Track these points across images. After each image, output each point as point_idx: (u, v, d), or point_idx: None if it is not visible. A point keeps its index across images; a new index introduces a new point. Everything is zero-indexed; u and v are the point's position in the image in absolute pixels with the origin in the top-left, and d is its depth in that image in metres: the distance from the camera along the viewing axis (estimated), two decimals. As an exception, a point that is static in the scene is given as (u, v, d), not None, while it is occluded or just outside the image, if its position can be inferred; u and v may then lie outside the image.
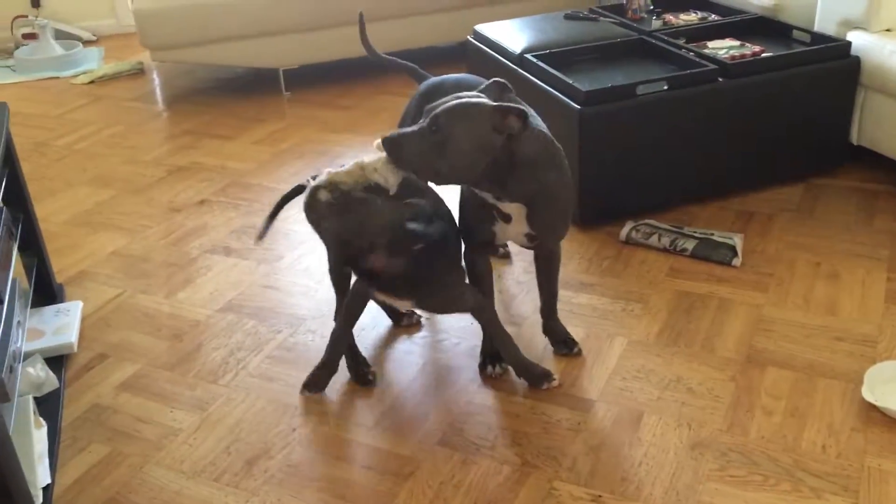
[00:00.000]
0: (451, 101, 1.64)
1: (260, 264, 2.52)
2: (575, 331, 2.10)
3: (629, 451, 1.73)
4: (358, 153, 3.24)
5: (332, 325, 2.20)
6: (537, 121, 1.78)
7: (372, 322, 2.21)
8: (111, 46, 4.83)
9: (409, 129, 1.63)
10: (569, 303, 2.23)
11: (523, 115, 1.60)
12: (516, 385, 1.95)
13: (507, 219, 1.79)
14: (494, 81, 1.75)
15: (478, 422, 1.84)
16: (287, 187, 2.98)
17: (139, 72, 4.39)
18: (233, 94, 4.00)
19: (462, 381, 1.98)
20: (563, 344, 2.06)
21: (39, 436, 1.78)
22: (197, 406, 1.94)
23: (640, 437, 1.77)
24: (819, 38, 2.72)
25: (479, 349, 2.04)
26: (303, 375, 2.00)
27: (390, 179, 1.66)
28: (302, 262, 2.52)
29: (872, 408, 1.79)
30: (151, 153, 3.38)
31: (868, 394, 1.80)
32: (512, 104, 1.62)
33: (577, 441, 1.77)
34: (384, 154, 1.65)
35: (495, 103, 1.63)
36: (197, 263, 2.55)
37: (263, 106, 3.82)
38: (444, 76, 2.11)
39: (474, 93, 1.69)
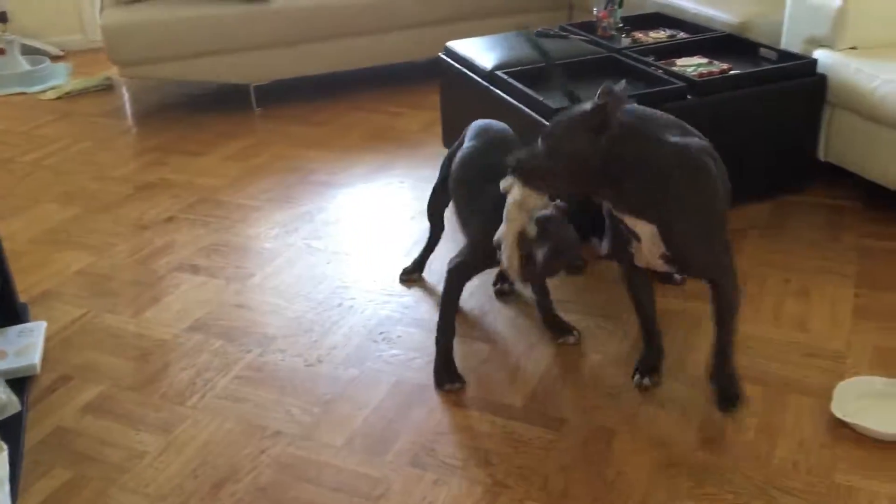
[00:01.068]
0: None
1: (229, 282, 2.49)
2: (545, 349, 2.10)
3: (602, 470, 1.72)
4: (331, 169, 3.23)
5: (303, 342, 2.18)
6: (667, 132, 1.70)
7: (343, 341, 2.19)
8: (79, 62, 4.77)
9: (523, 150, 1.69)
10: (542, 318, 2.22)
11: (606, 112, 1.55)
12: (488, 404, 1.93)
13: (636, 237, 1.71)
14: (602, 88, 1.63)
15: (449, 441, 1.83)
16: (259, 204, 2.96)
17: (108, 87, 4.34)
18: (203, 110, 3.97)
19: (434, 400, 1.96)
20: (726, 399, 1.85)
21: (1, 460, 1.74)
22: (163, 428, 1.90)
23: (612, 456, 1.76)
24: (785, 55, 2.75)
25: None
26: (272, 396, 1.97)
27: (538, 202, 1.73)
28: (272, 281, 2.49)
29: (842, 424, 1.80)
30: (119, 170, 3.33)
31: (837, 410, 1.81)
32: (603, 102, 1.57)
33: (549, 460, 1.75)
34: (516, 186, 1.73)
35: (591, 104, 1.59)
36: (164, 282, 2.51)
37: (234, 122, 3.79)
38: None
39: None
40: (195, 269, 2.57)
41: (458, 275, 1.97)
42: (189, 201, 3.03)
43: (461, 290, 1.99)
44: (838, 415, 1.80)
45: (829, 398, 1.86)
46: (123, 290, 2.48)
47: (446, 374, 1.99)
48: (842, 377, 1.94)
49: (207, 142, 3.58)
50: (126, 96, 4.25)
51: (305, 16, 3.77)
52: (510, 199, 1.76)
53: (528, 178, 1.68)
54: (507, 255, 1.76)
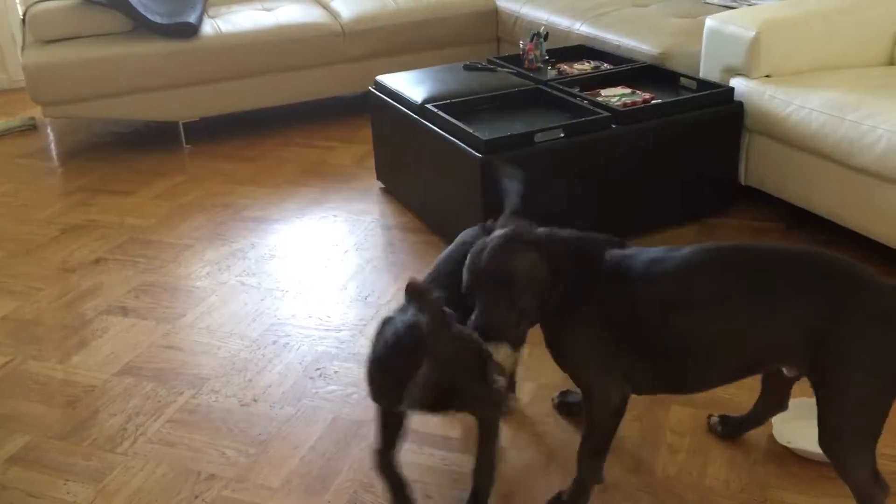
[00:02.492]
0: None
1: (160, 323, 2.44)
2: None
3: (541, 498, 1.73)
4: (263, 205, 3.20)
5: (238, 382, 2.14)
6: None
7: (279, 379, 2.16)
8: (1, 102, 4.66)
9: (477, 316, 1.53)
10: (477, 350, 2.23)
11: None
12: (426, 437, 1.93)
13: None
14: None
15: (388, 476, 1.81)
16: (190, 242, 2.92)
17: (31, 128, 4.23)
18: (130, 149, 3.90)
19: (373, 435, 1.94)
20: None
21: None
22: (92, 477, 1.85)
23: (550, 483, 1.77)
24: (704, 84, 2.85)
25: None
26: (205, 439, 1.93)
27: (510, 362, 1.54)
28: (204, 321, 2.45)
29: (773, 440, 1.85)
30: (44, 211, 3.25)
31: (780, 437, 1.84)
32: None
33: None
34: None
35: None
36: (92, 325, 2.45)
37: (163, 160, 3.74)
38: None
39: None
40: (124, 312, 2.51)
41: None
42: (117, 242, 2.96)
43: None
44: (782, 442, 1.83)
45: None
46: (49, 335, 2.41)
47: None
48: (769, 394, 1.99)
49: (135, 181, 3.52)
50: (51, 136, 4.15)
51: (232, 53, 3.76)
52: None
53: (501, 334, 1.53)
54: None
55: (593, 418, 1.63)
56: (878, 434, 1.47)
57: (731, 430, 1.88)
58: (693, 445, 1.86)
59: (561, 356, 1.63)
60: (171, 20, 3.72)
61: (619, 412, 1.61)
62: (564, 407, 1.99)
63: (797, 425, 1.87)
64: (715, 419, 1.90)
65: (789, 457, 1.81)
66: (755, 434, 1.87)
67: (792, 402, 1.93)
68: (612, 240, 1.63)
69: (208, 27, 3.81)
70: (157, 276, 2.71)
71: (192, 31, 3.71)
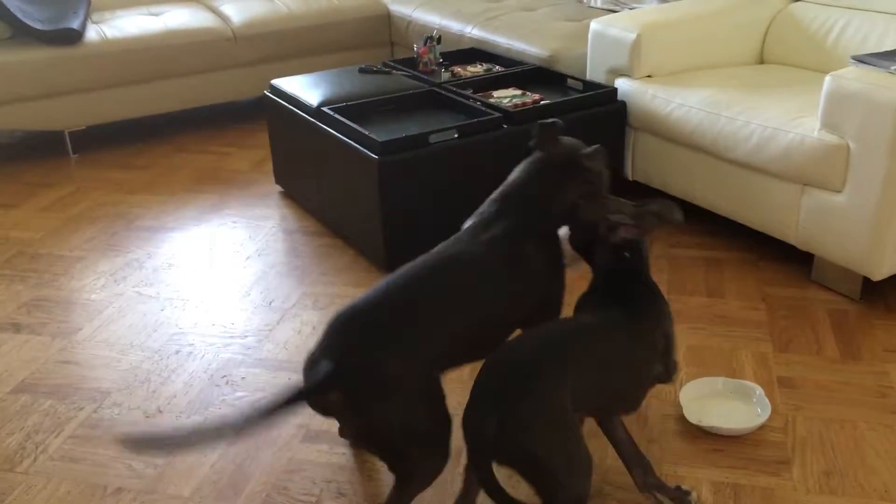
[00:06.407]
0: None
1: (55, 338, 2.37)
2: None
3: (455, 489, 1.78)
4: (158, 213, 3.14)
5: (141, 394, 2.11)
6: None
7: (184, 389, 2.14)
8: None
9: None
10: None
11: None
12: (338, 437, 1.95)
13: None
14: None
15: (302, 477, 1.83)
16: (81, 254, 2.83)
17: None
18: (13, 160, 3.75)
19: (283, 437, 1.95)
20: None
21: None
22: (-8, 499, 1.79)
23: (461, 472, 1.82)
24: (590, 85, 2.98)
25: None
26: (110, 453, 1.90)
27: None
28: (102, 333, 2.39)
29: (666, 419, 1.96)
30: (-80, 228, 3.09)
31: (691, 416, 1.94)
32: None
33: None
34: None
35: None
36: (-18, 344, 2.35)
37: (49, 170, 3.61)
38: None
39: None
40: (16, 328, 2.42)
41: None
42: (4, 256, 2.85)
43: None
44: (693, 420, 1.93)
45: (651, 396, 2.02)
46: (-66, 356, 2.30)
47: None
48: (661, 376, 2.11)
49: (19, 192, 3.38)
50: (-78, 148, 3.94)
51: (119, 59, 3.66)
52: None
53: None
54: None
55: None
56: None
57: None
58: (592, 430, 1.95)
59: None
60: (53, 26, 3.60)
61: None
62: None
63: (706, 403, 2.00)
64: None
65: (681, 433, 1.92)
66: (652, 413, 1.98)
67: (696, 381, 2.06)
68: None
69: (93, 33, 3.70)
70: (50, 290, 2.62)
71: (75, 37, 3.60)
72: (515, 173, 1.87)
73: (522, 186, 1.83)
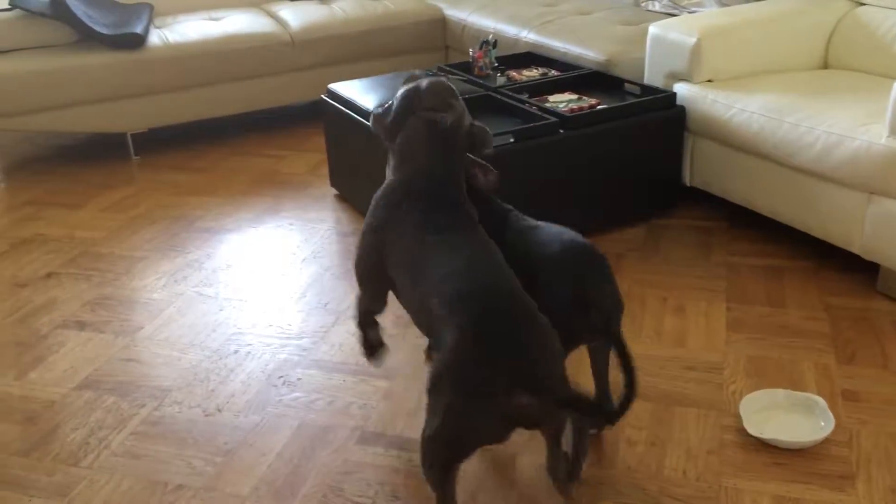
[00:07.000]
0: None
1: (118, 336, 2.42)
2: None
3: (507, 493, 1.78)
4: (216, 215, 3.20)
5: (200, 392, 2.15)
6: None
7: (242, 388, 2.17)
8: (-63, 115, 4.54)
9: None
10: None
11: None
12: (392, 439, 1.96)
13: None
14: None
15: (357, 479, 1.84)
16: (143, 254, 2.90)
17: (-29, 141, 4.15)
18: (77, 161, 3.85)
19: (338, 439, 1.97)
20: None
21: None
22: (57, 492, 1.83)
23: (516, 479, 1.82)
24: (648, 89, 2.94)
25: (353, 406, 2.05)
26: (171, 450, 1.93)
27: None
28: (163, 332, 2.44)
29: (725, 430, 1.93)
30: (-10, 226, 3.19)
31: (752, 428, 1.90)
32: None
33: (457, 489, 1.79)
34: None
35: None
36: (48, 340, 2.42)
37: (111, 172, 3.70)
38: None
39: None
40: (80, 326, 2.49)
41: None
42: (69, 256, 2.93)
43: None
44: (754, 433, 1.89)
45: (710, 407, 1.99)
46: (4, 352, 2.37)
47: None
48: (720, 387, 2.08)
49: (84, 193, 3.47)
50: (-8, 150, 4.07)
51: (180, 63, 3.74)
52: None
53: None
54: None
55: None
56: None
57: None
58: (650, 438, 1.93)
59: None
60: (117, 31, 3.68)
61: None
62: None
63: (767, 415, 1.96)
64: None
65: (741, 446, 1.89)
66: (710, 424, 1.95)
67: (757, 392, 2.01)
68: None
69: (155, 37, 3.79)
70: (112, 289, 2.69)
71: (138, 41, 3.68)
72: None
73: None
